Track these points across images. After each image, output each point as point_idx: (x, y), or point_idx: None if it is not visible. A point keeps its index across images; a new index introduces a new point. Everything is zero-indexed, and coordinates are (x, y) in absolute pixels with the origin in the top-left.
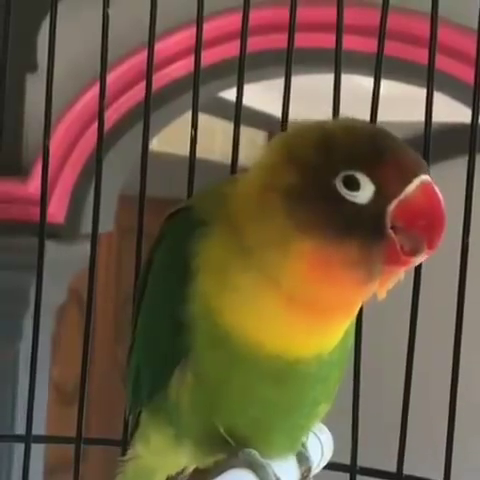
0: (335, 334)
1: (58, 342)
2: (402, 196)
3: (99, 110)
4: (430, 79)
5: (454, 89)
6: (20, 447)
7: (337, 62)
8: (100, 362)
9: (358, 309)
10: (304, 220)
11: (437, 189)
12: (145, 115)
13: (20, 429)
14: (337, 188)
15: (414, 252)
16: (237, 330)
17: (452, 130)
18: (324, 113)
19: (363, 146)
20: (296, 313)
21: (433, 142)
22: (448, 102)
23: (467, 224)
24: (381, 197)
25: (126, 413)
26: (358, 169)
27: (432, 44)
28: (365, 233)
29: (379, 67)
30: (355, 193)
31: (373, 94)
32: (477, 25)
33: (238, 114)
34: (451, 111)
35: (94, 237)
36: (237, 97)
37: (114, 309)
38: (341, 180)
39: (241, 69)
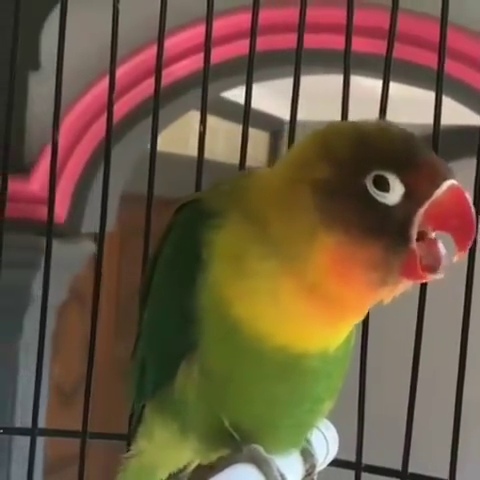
0: (343, 331)
1: (58, 340)
2: (433, 198)
3: (108, 109)
4: (439, 82)
5: (458, 92)
6: (19, 441)
7: (346, 63)
8: (101, 359)
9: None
10: (332, 215)
11: (467, 193)
12: (154, 114)
13: (19, 424)
14: (367, 187)
15: (431, 269)
16: (247, 320)
17: (456, 132)
18: (330, 114)
19: (396, 148)
20: (312, 304)
21: (446, 143)
22: (452, 105)
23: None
24: (410, 200)
25: (130, 407)
26: (389, 170)
27: (441, 47)
28: (390, 236)
29: (388, 69)
30: (385, 194)
31: (382, 96)
32: None
33: (247, 113)
34: (454, 113)
35: (102, 236)
36: (246, 97)
37: (115, 307)
38: (372, 179)
39: (250, 68)
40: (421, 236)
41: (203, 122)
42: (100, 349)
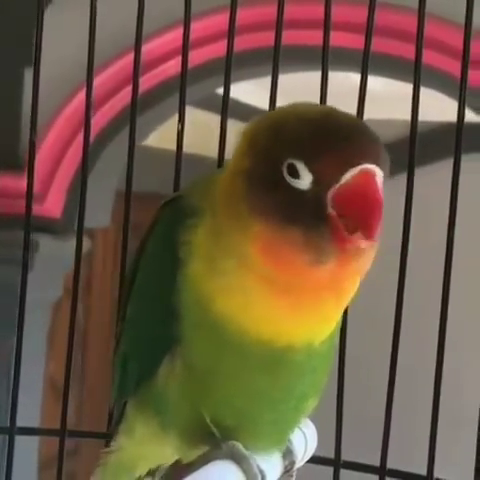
0: (326, 322)
1: (53, 338)
2: (338, 185)
3: (86, 113)
4: (417, 75)
5: (455, 89)
6: (17, 438)
7: (324, 58)
8: (96, 357)
9: (349, 295)
10: (256, 204)
11: (376, 178)
12: (131, 117)
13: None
14: (284, 174)
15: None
16: (227, 316)
17: (453, 129)
18: None
19: (305, 135)
20: (274, 294)
21: (433, 140)
22: (448, 102)
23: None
24: (319, 186)
25: (110, 404)
26: (298, 158)
27: (419, 38)
28: (308, 219)
29: (366, 64)
30: (297, 180)
31: (360, 90)
32: None
33: (225, 111)
34: (452, 111)
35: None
36: (224, 94)
37: (110, 304)
38: (286, 167)
39: (228, 66)
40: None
41: (181, 120)
42: (95, 344)
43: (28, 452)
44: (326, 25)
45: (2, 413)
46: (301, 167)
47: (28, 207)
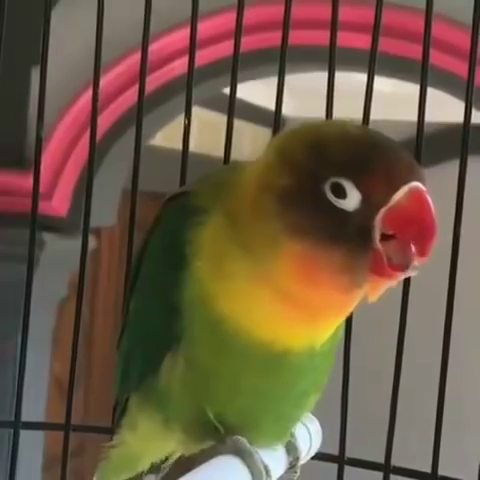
0: (327, 329)
1: (59, 336)
2: (390, 204)
3: (92, 112)
4: (424, 76)
5: (464, 90)
6: (22, 436)
7: (331, 59)
8: (101, 355)
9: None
10: (293, 223)
11: (427, 196)
12: (138, 115)
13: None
14: (326, 194)
15: (402, 266)
16: (230, 317)
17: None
18: (341, 111)
19: (352, 154)
20: (287, 308)
21: (440, 141)
22: (456, 103)
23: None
24: (368, 206)
25: (114, 399)
26: (345, 177)
27: (426, 40)
28: (350, 241)
29: (373, 64)
30: (342, 200)
31: (366, 92)
32: None
33: (231, 112)
34: (459, 111)
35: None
36: (230, 93)
37: (116, 302)
38: (329, 186)
39: (235, 66)
40: (392, 235)
41: (188, 116)
42: (101, 343)
43: (33, 452)
44: (333, 25)
45: (7, 410)
46: (349, 186)
47: (34, 201)
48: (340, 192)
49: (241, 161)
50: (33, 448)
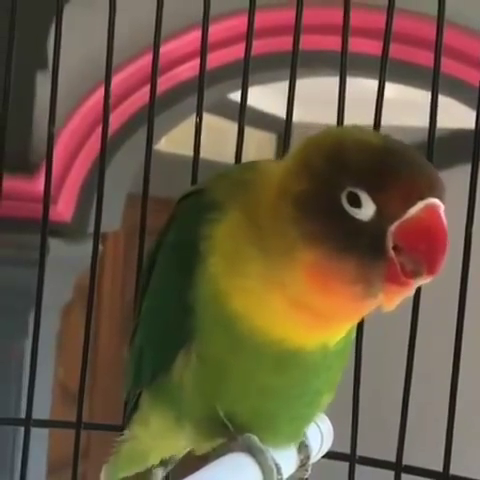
0: (341, 331)
1: (64, 341)
2: (404, 218)
3: (104, 113)
4: (435, 83)
5: (470, 96)
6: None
7: (343, 65)
8: (107, 359)
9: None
10: (309, 230)
11: (442, 214)
12: (149, 119)
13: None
14: (342, 202)
15: (416, 274)
16: (242, 315)
17: (469, 135)
18: (349, 117)
19: (370, 165)
20: (299, 312)
21: (447, 147)
22: (463, 109)
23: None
24: (382, 217)
25: (125, 395)
26: (361, 187)
27: (437, 47)
28: (365, 251)
29: (384, 71)
30: (358, 210)
31: (377, 98)
32: None
33: (242, 117)
34: (469, 117)
35: (96, 236)
36: (241, 99)
37: (121, 306)
38: (346, 195)
39: (246, 71)
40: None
41: (199, 115)
42: (106, 346)
43: (37, 456)
44: (345, 31)
45: (13, 413)
46: (364, 197)
47: (46, 200)
48: (356, 202)
49: (258, 160)
50: (37, 453)
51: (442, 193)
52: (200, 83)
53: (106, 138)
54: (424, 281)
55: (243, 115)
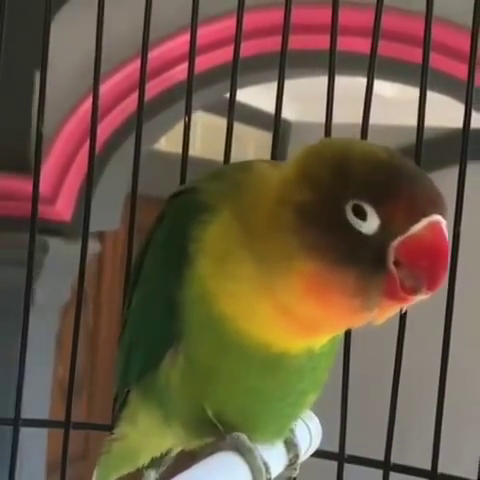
0: (327, 337)
1: (63, 340)
2: (407, 234)
3: (92, 118)
4: (424, 81)
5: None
6: (24, 434)
7: (331, 63)
8: (106, 358)
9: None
10: (309, 240)
11: (445, 232)
12: (137, 126)
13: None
14: (346, 214)
15: (415, 290)
16: (229, 317)
17: (471, 135)
18: (346, 116)
19: (376, 178)
20: (287, 319)
21: (445, 146)
22: (460, 107)
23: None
24: (386, 232)
25: (114, 392)
26: (367, 200)
27: (426, 42)
28: (366, 264)
29: (372, 69)
30: (362, 223)
31: (366, 97)
32: None
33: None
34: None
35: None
36: (230, 97)
37: (120, 305)
38: (351, 207)
39: (234, 71)
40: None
41: (188, 114)
42: (106, 346)
43: (35, 457)
44: (333, 29)
45: (12, 414)
46: (370, 210)
47: (34, 200)
48: (360, 214)
49: (253, 160)
50: (35, 453)
51: (444, 210)
52: (189, 82)
53: (95, 140)
54: (421, 297)
55: (232, 112)
